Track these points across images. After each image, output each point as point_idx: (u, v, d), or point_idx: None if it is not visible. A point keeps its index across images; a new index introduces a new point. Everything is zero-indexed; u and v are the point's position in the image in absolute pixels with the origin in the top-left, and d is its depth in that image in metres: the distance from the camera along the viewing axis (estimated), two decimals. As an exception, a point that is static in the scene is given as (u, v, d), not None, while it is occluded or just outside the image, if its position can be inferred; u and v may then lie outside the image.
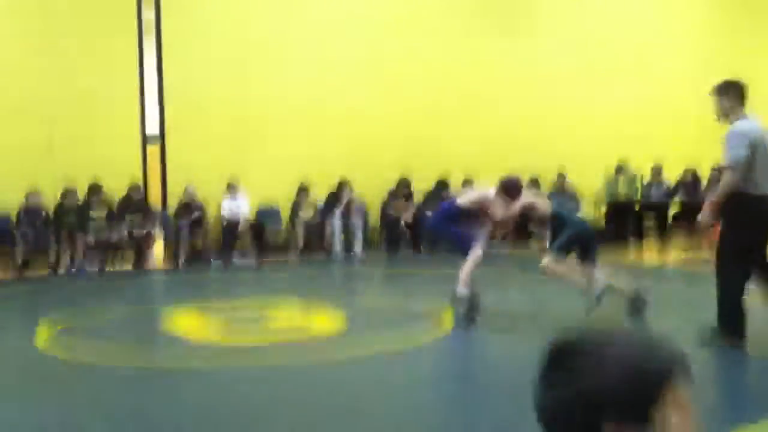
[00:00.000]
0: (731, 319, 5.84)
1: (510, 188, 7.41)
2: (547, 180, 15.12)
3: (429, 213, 12.34)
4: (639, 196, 14.30)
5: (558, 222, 7.54)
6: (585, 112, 15.80)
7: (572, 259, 7.51)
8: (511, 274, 11.24)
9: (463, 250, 7.53)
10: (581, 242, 7.55)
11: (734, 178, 5.74)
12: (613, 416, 1.14)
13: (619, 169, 14.85)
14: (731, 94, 5.99)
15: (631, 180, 14.38)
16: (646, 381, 1.15)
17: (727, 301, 5.85)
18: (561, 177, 15.15)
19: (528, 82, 15.51)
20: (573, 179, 15.00)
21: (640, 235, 14.69)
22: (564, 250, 7.43)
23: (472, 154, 14.59)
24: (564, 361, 1.19)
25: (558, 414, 1.18)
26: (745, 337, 5.85)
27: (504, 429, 4.37)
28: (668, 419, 1.15)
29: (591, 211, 14.87)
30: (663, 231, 14.43)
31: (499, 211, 7.46)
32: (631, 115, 16.10)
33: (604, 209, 14.88)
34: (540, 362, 1.21)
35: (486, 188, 7.82)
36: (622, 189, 14.40)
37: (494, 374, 5.73)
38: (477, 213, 7.64)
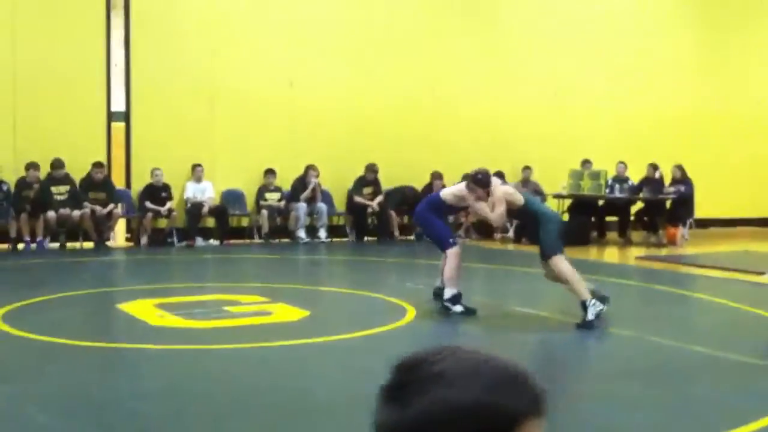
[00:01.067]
0: None
1: (475, 180, 7.39)
2: (512, 175, 15.23)
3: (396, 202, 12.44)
4: (603, 192, 14.43)
5: (536, 216, 7.40)
6: (551, 110, 15.90)
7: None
8: (477, 266, 11.31)
9: (441, 244, 7.52)
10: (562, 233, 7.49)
11: None
12: None
13: (584, 165, 14.99)
14: None
15: (595, 176, 14.51)
16: (482, 424, 1.04)
17: None
18: (527, 170, 15.27)
19: (495, 78, 15.53)
20: (537, 177, 15.13)
21: (602, 232, 14.84)
22: (562, 244, 7.31)
23: (438, 147, 14.66)
24: (413, 384, 1.07)
25: None
26: None
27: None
28: None
29: (554, 207, 14.99)
30: (625, 228, 14.59)
31: (482, 207, 7.38)
32: (597, 114, 16.24)
33: (567, 205, 15.01)
34: (387, 379, 1.11)
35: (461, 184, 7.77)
36: (586, 185, 14.54)
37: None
38: (460, 208, 7.66)
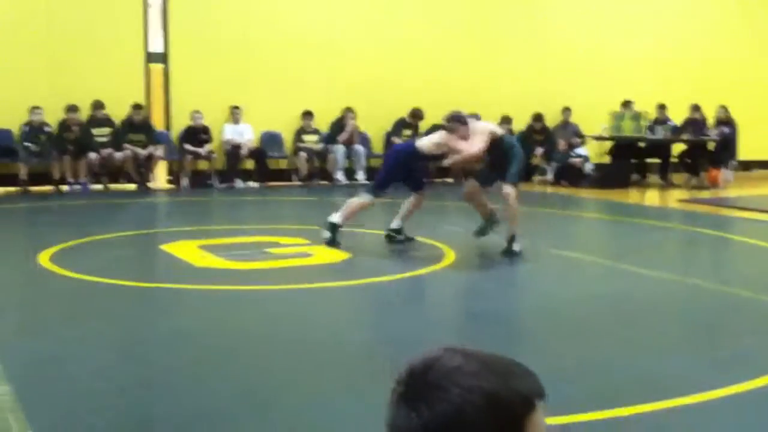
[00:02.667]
0: None
1: (456, 118, 7.48)
2: (552, 117, 15.07)
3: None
4: (644, 134, 14.22)
5: (509, 150, 7.59)
6: (590, 52, 15.61)
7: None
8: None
9: (414, 186, 7.90)
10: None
11: None
12: None
13: (625, 106, 14.76)
14: None
15: (636, 117, 14.29)
16: (505, 411, 1.09)
17: None
18: (566, 111, 15.09)
19: (533, 21, 15.27)
20: (576, 118, 14.94)
21: (643, 175, 14.67)
22: (518, 180, 7.71)
23: (478, 90, 14.49)
24: (419, 388, 1.11)
25: None
26: None
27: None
28: None
29: (595, 149, 14.83)
30: (666, 170, 14.41)
31: (465, 146, 7.47)
32: (637, 56, 15.90)
33: (608, 148, 14.83)
34: (395, 384, 1.13)
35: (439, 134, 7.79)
36: (626, 127, 14.33)
37: (483, 305, 5.80)
38: (440, 156, 7.82)
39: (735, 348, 4.82)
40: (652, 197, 13.63)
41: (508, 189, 7.48)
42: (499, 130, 7.75)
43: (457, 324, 5.18)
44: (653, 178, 14.57)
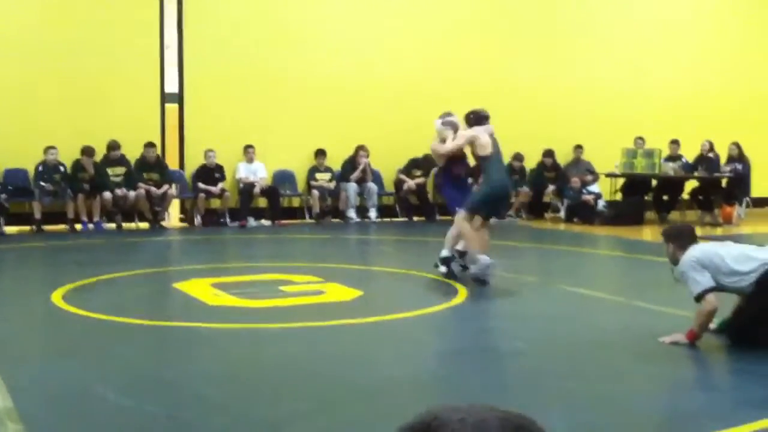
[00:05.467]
0: None
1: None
2: (563, 154, 15.10)
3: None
4: (657, 171, 14.21)
5: (485, 176, 7.72)
6: (603, 88, 15.67)
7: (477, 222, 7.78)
8: (527, 246, 11.27)
9: (452, 208, 8.15)
10: (495, 203, 7.93)
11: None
12: None
13: (637, 142, 14.78)
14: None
15: (649, 154, 14.29)
16: None
17: None
18: (578, 149, 15.12)
19: (547, 57, 15.37)
20: (589, 155, 14.97)
21: (657, 210, 14.63)
22: (477, 210, 7.66)
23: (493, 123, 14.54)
24: None
25: None
26: None
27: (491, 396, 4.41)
28: None
29: (607, 186, 14.82)
30: (678, 206, 14.37)
31: (442, 146, 7.65)
32: (650, 92, 15.96)
33: (620, 185, 14.83)
34: None
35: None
36: (639, 164, 14.33)
37: (499, 343, 5.76)
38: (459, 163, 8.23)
39: (757, 384, 4.76)
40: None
41: (460, 215, 7.63)
42: (485, 147, 7.65)
43: (471, 362, 5.14)
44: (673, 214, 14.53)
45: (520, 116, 14.89)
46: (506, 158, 14.39)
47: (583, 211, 13.95)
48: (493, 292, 7.53)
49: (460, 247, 7.88)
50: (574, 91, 15.45)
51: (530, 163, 14.96)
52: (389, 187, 14.17)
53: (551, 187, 14.71)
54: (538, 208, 14.84)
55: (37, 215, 11.83)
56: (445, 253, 7.89)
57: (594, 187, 14.28)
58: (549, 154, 14.88)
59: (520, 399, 4.29)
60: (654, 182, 14.69)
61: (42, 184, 11.86)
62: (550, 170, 14.89)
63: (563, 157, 15.16)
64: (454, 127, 7.98)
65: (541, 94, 15.19)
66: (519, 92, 15.06)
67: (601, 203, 14.01)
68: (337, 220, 13.46)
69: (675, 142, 14.55)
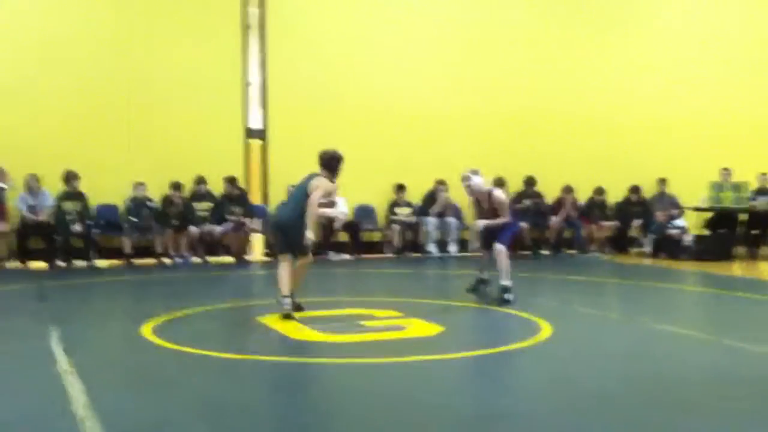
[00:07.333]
0: None
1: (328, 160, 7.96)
2: (648, 188, 14.83)
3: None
4: (746, 204, 13.81)
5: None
6: (686, 120, 15.38)
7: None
8: (612, 282, 11.05)
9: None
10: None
11: None
12: None
13: (724, 173, 14.40)
14: None
15: (737, 188, 13.90)
16: None
17: None
18: (661, 183, 14.83)
19: (627, 88, 15.19)
20: (674, 189, 14.67)
21: (746, 245, 14.20)
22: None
23: (573, 163, 14.46)
24: None
25: None
26: None
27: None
28: None
29: (694, 219, 14.47)
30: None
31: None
32: (735, 122, 15.57)
33: (707, 218, 14.46)
34: None
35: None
36: (727, 197, 13.95)
37: (586, 382, 5.65)
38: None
39: None
40: (755, 270, 13.13)
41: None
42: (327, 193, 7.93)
43: (557, 401, 5.06)
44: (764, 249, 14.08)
45: (602, 150, 14.73)
46: (588, 193, 14.24)
47: (669, 246, 13.64)
48: (578, 328, 7.40)
49: None
50: (656, 122, 15.20)
51: (617, 196, 14.73)
52: (469, 220, 14.11)
53: (637, 222, 14.44)
54: (622, 243, 14.58)
55: (127, 249, 12.21)
56: (505, 282, 8.45)
57: (680, 221, 13.96)
58: (635, 190, 14.64)
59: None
60: (742, 216, 14.26)
61: (131, 219, 12.25)
62: (636, 205, 14.64)
63: (647, 191, 14.89)
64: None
65: (623, 127, 14.99)
66: (601, 126, 14.90)
67: (687, 238, 13.67)
68: (417, 254, 13.47)
69: (765, 175, 14.13)
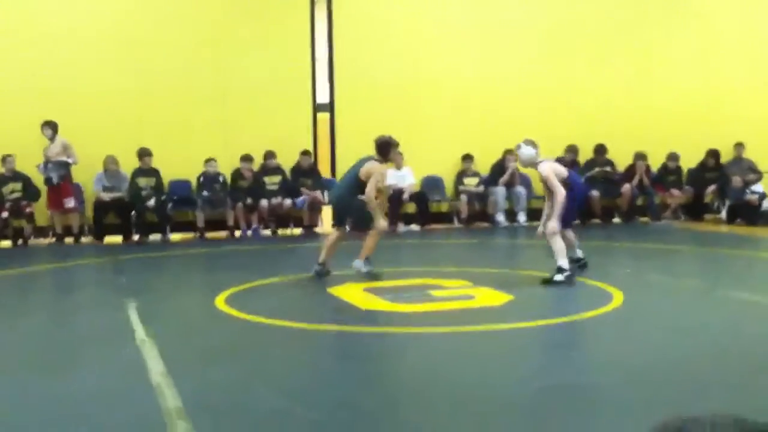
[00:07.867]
0: None
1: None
2: (725, 153, 14.44)
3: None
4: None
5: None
6: (764, 82, 14.87)
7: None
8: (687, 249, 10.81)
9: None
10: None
11: None
12: None
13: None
14: None
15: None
16: None
17: None
18: (739, 146, 14.41)
19: (703, 52, 14.75)
20: (751, 154, 14.25)
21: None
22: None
23: (647, 128, 14.16)
24: None
25: None
26: None
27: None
28: None
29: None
30: None
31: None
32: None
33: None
34: None
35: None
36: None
37: (659, 352, 5.55)
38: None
39: None
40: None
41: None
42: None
43: (628, 371, 4.99)
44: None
45: (675, 117, 14.39)
46: (662, 158, 13.94)
47: (746, 212, 13.27)
48: (651, 297, 7.28)
49: None
50: (732, 86, 14.74)
51: (690, 162, 14.38)
52: (538, 190, 13.97)
53: (711, 187, 14.08)
54: (697, 209, 14.24)
55: (200, 223, 12.46)
56: (574, 255, 8.19)
57: (758, 187, 13.55)
58: (713, 154, 14.25)
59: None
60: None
61: (204, 193, 12.48)
62: (711, 170, 14.26)
63: (725, 156, 14.50)
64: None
65: (697, 93, 14.61)
66: (675, 93, 14.55)
67: (765, 203, 13.27)
68: (485, 224, 13.41)
69: None
